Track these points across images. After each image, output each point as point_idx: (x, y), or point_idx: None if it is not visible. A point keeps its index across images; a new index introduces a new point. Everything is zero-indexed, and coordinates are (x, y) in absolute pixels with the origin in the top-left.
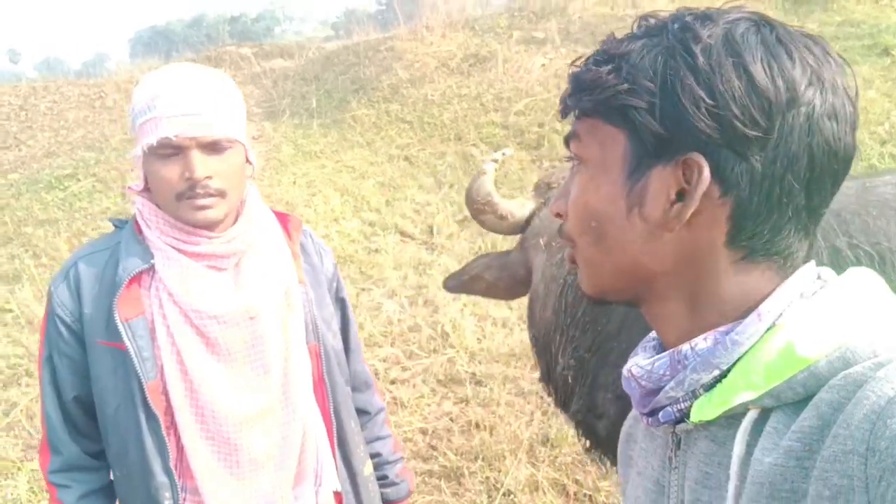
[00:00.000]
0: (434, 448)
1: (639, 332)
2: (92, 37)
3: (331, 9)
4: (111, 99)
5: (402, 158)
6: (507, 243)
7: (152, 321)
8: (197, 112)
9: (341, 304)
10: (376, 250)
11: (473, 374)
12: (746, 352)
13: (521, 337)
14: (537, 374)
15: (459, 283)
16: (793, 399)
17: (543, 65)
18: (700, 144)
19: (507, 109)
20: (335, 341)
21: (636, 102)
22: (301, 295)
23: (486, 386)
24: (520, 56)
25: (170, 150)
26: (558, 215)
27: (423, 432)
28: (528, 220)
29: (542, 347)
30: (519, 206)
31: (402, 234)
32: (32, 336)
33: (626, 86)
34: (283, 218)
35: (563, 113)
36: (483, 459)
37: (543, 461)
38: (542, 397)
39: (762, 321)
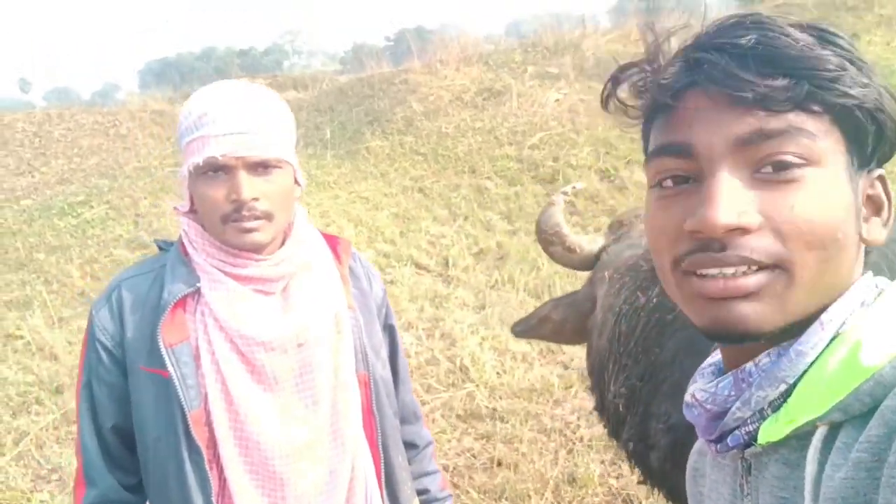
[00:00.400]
0: (456, 486)
1: (693, 362)
2: (102, 67)
3: (339, 44)
4: (125, 127)
5: (416, 190)
6: (524, 276)
7: (197, 347)
8: (244, 131)
9: (390, 330)
10: (391, 282)
11: (494, 409)
12: (812, 364)
13: (541, 372)
14: (560, 411)
15: (527, 327)
16: (860, 411)
17: (558, 100)
18: (885, 157)
19: (522, 143)
20: (384, 371)
21: (889, 108)
22: (350, 321)
23: (507, 422)
24: (534, 90)
25: (216, 171)
26: (739, 229)
27: (444, 469)
28: (598, 256)
29: (597, 376)
30: (589, 241)
31: (418, 265)
32: (43, 363)
33: (874, 90)
34: (332, 240)
35: (778, 101)
36: (507, 499)
37: (571, 502)
38: (565, 435)
39: (825, 330)
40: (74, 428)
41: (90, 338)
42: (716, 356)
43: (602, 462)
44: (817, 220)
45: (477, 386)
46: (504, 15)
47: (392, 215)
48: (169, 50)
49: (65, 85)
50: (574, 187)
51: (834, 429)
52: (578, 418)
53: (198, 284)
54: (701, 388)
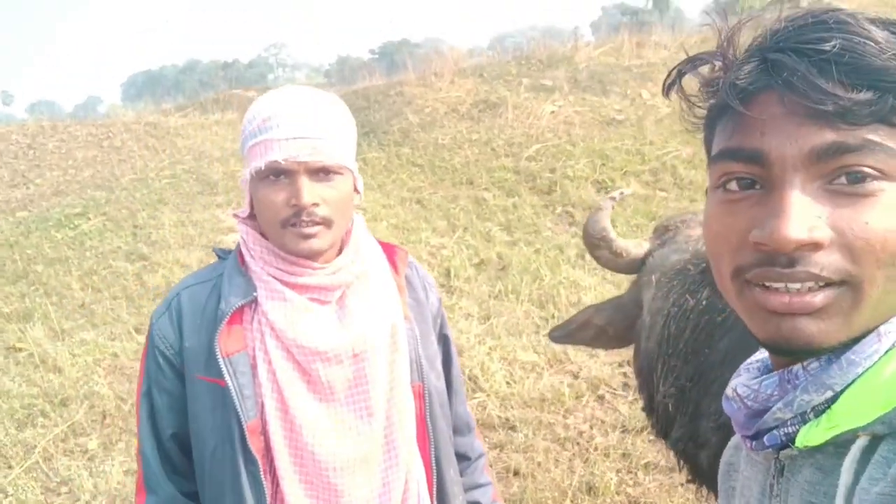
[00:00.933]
0: None
1: (743, 361)
2: (84, 80)
3: (323, 57)
4: (119, 139)
5: (414, 201)
6: (527, 287)
7: (254, 357)
8: (308, 136)
9: (444, 340)
10: None
11: (506, 419)
12: (862, 374)
13: (550, 382)
14: (572, 420)
15: (566, 332)
16: None
17: (553, 112)
18: None
19: (519, 155)
20: (438, 382)
21: None
22: (406, 331)
23: (520, 432)
24: (529, 103)
25: (278, 175)
26: (810, 245)
27: None
28: (643, 260)
29: (645, 378)
30: (635, 245)
31: None
32: (46, 375)
33: None
34: (389, 249)
35: (860, 114)
36: None
37: None
38: (579, 444)
39: (881, 341)
40: (82, 440)
41: (150, 346)
42: (764, 352)
43: (618, 471)
44: (891, 238)
45: (488, 395)
46: (488, 29)
47: (391, 226)
48: (152, 63)
49: (48, 97)
50: (622, 192)
51: (875, 440)
52: (591, 427)
53: (255, 294)
54: (743, 384)
